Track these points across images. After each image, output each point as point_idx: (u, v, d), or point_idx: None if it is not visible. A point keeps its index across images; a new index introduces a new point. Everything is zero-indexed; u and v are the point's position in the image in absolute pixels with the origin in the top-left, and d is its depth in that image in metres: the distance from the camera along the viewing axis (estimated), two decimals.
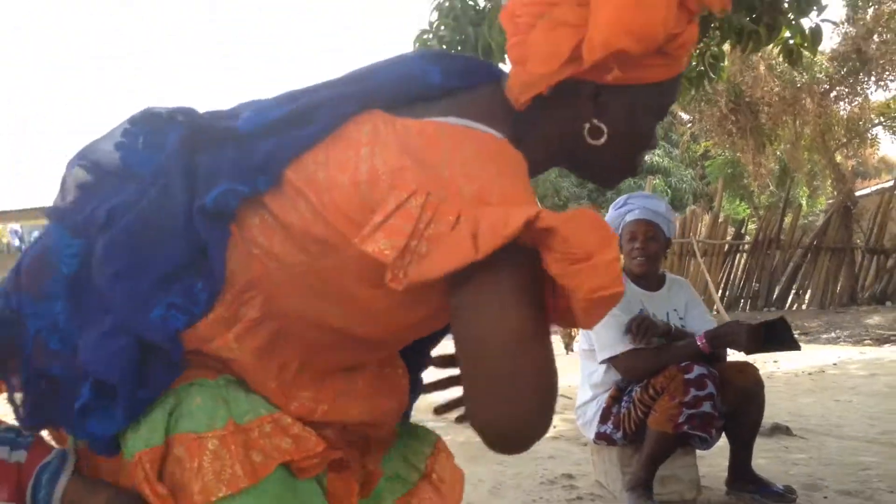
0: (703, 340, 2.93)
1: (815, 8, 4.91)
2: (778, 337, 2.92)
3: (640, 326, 3.00)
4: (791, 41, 5.24)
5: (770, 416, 4.43)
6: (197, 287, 1.05)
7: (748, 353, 2.93)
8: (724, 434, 3.10)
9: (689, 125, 15.07)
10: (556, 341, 9.53)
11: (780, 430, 4.27)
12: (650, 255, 3.16)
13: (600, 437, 3.16)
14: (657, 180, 21.04)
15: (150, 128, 1.14)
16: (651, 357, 2.99)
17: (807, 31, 5.18)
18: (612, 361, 3.06)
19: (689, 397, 2.85)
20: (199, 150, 1.08)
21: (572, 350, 8.34)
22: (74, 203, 1.13)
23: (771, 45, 5.12)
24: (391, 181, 0.95)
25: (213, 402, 1.04)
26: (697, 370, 2.87)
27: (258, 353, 1.08)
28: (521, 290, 0.93)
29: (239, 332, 1.06)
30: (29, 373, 1.10)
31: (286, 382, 1.10)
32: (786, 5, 4.95)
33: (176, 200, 1.06)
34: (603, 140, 1.09)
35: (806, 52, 5.34)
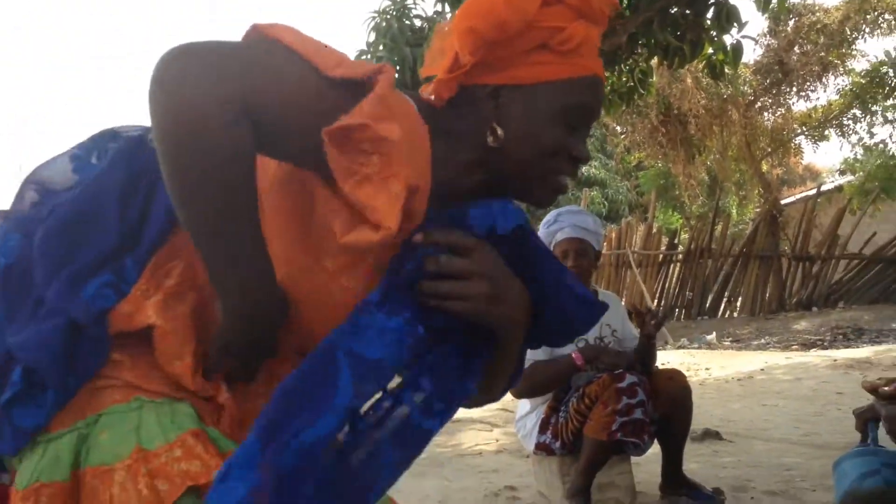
0: (579, 357, 3.09)
1: (735, 25, 5.12)
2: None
3: (586, 350, 3.13)
4: (714, 57, 5.46)
5: (701, 421, 4.60)
6: (127, 264, 1.08)
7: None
8: (656, 440, 3.22)
9: (623, 136, 15.40)
10: None
11: (710, 434, 4.43)
12: (582, 271, 3.27)
13: (540, 447, 3.24)
14: (594, 192, 21.42)
15: (103, 142, 1.17)
16: (535, 373, 3.11)
17: (728, 48, 5.40)
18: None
19: (621, 405, 2.95)
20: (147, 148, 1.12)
21: None
22: (21, 207, 1.16)
23: (695, 61, 5.31)
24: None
25: (120, 432, 1.03)
26: (629, 379, 2.98)
27: (178, 321, 1.08)
28: None
29: (158, 299, 1.07)
30: None
31: (200, 356, 1.10)
32: (708, 23, 5.15)
33: (111, 185, 1.09)
34: (500, 142, 1.10)
35: (728, 68, 5.56)
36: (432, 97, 1.13)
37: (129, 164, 1.13)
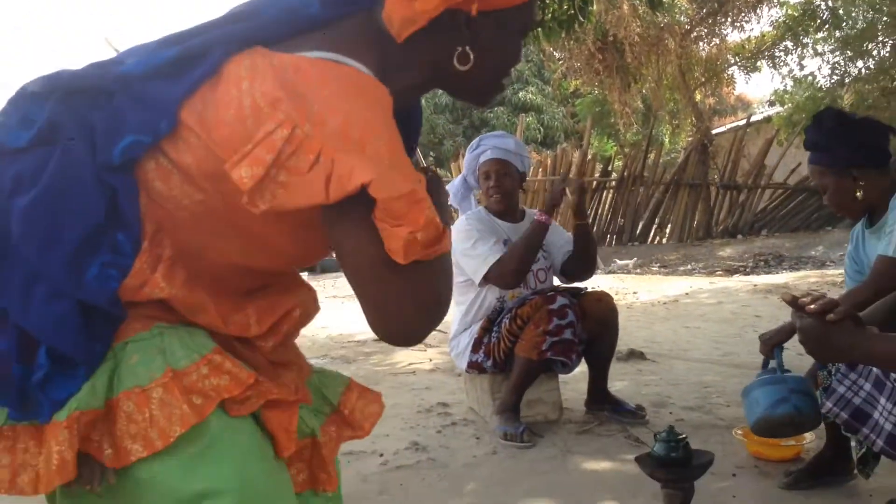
0: (541, 215, 3.21)
1: None
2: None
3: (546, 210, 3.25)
4: None
5: (627, 342, 4.80)
6: (120, 239, 1.10)
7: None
8: (584, 359, 3.38)
9: (561, 63, 15.39)
10: None
11: (635, 355, 4.64)
12: (505, 191, 3.36)
13: (472, 366, 3.37)
14: (530, 118, 21.48)
15: (25, 105, 1.15)
16: (510, 255, 3.22)
17: None
18: (487, 280, 3.25)
19: (552, 326, 3.08)
20: (91, 107, 1.12)
21: None
22: None
23: None
24: (268, 112, 1.02)
25: (149, 355, 1.10)
26: (560, 301, 3.11)
27: (187, 286, 1.14)
28: (372, 227, 1.05)
29: (163, 272, 1.12)
30: None
31: (221, 305, 1.18)
32: None
33: (80, 161, 1.09)
34: (469, 66, 1.17)
35: None
36: (397, 24, 1.14)
37: (82, 126, 1.11)
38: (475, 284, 3.29)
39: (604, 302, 3.31)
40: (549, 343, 3.10)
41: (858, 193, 2.50)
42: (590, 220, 13.07)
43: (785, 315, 6.02)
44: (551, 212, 3.23)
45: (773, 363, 2.40)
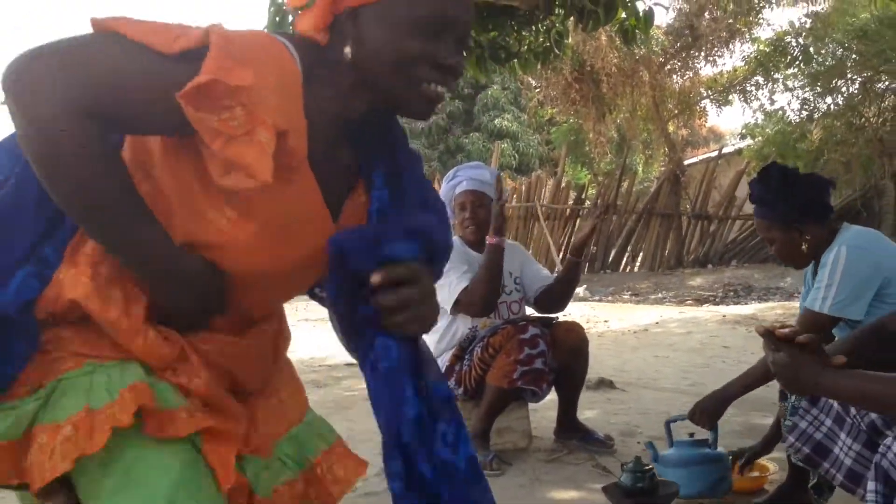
0: (492, 238, 3.18)
1: None
2: None
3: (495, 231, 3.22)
4: (626, 22, 5.61)
5: (597, 370, 4.85)
6: (47, 253, 1.14)
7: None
8: (554, 388, 3.42)
9: (537, 90, 15.57)
10: None
11: (605, 383, 4.69)
12: (479, 222, 3.41)
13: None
14: (505, 144, 21.64)
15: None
16: (475, 283, 3.22)
17: (641, 14, 5.55)
18: (457, 307, 3.28)
19: (522, 355, 3.12)
20: None
21: None
22: None
23: (609, 25, 5.45)
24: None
25: (75, 392, 1.11)
26: (531, 330, 3.15)
27: (100, 282, 1.15)
28: None
29: (75, 273, 1.14)
30: None
31: (134, 316, 1.16)
32: None
33: (26, 186, 1.14)
34: (354, 58, 1.18)
35: (640, 33, 5.73)
36: (315, 34, 1.20)
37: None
38: (447, 313, 3.32)
39: (575, 332, 3.36)
40: (519, 372, 3.13)
41: (804, 246, 2.62)
42: (563, 247, 13.31)
43: (752, 346, 6.06)
44: (501, 232, 3.21)
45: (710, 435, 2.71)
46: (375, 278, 1.17)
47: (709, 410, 2.70)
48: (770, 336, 1.63)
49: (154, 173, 1.15)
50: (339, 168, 1.26)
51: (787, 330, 1.62)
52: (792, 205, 2.59)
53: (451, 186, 3.46)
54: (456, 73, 1.23)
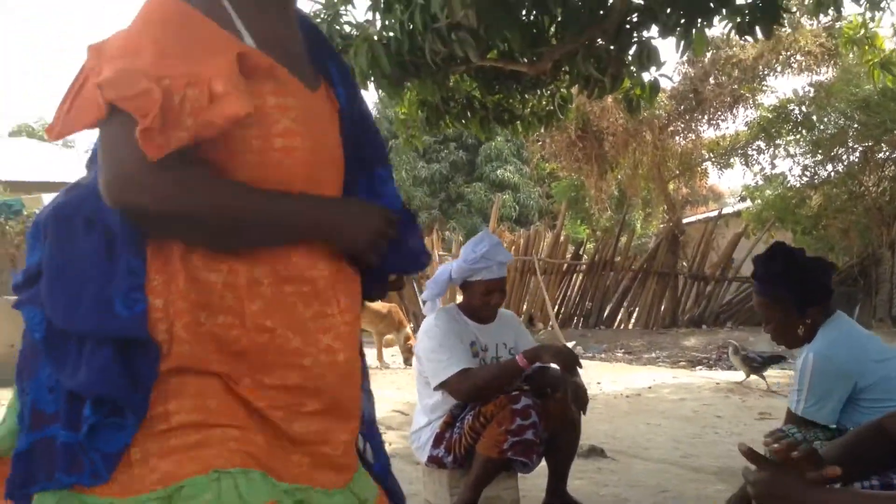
0: (523, 357, 3.20)
1: (654, 65, 5.34)
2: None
3: (529, 352, 3.23)
4: (631, 91, 5.69)
5: (589, 436, 4.81)
6: (129, 260, 1.21)
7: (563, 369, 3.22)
8: (544, 458, 3.40)
9: (540, 145, 15.73)
10: (396, 354, 9.76)
11: (595, 451, 4.65)
12: (499, 304, 3.45)
13: (432, 460, 3.37)
14: (506, 195, 21.77)
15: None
16: (477, 375, 3.22)
17: (646, 84, 5.63)
18: (444, 386, 3.27)
19: (514, 425, 3.11)
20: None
21: (411, 365, 8.58)
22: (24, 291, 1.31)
23: (614, 93, 5.52)
24: None
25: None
26: (524, 401, 3.14)
27: (205, 267, 1.23)
28: None
29: (177, 261, 1.23)
30: (24, 444, 1.21)
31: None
32: (629, 59, 5.35)
33: (72, 233, 1.25)
34: None
35: (644, 103, 5.81)
36: None
37: (76, 213, 1.27)
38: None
39: (567, 405, 3.34)
40: (510, 442, 3.11)
41: (800, 330, 2.65)
42: (559, 302, 13.32)
43: (745, 416, 6.02)
44: (532, 361, 3.20)
45: None
46: None
47: None
48: (752, 456, 1.50)
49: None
50: (300, 57, 1.38)
51: (781, 445, 1.49)
52: (796, 289, 2.61)
53: (477, 268, 3.38)
54: None
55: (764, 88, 15.04)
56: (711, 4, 4.87)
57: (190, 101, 1.13)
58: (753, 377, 7.68)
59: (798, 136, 14.99)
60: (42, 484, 1.17)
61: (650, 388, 7.69)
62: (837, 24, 9.73)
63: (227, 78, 1.16)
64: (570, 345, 11.23)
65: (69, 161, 25.85)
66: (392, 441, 4.94)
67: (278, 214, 1.25)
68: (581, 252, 14.57)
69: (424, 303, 3.73)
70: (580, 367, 3.26)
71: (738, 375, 8.05)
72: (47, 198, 14.85)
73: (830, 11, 5.64)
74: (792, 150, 15.36)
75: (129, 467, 1.15)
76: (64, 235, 1.25)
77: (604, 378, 8.22)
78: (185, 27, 1.20)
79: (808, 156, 14.92)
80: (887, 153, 14.10)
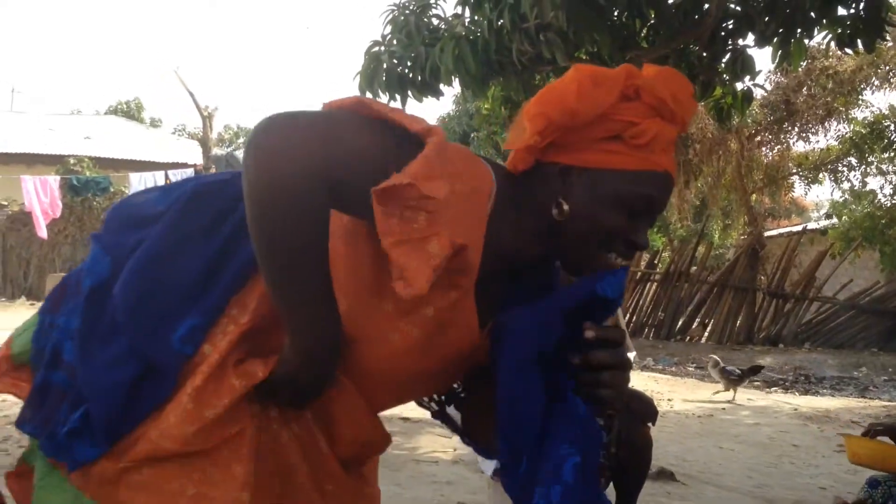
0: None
1: (748, 74, 5.12)
2: None
3: None
4: (722, 101, 5.47)
5: (658, 457, 4.63)
6: (217, 298, 1.13)
7: None
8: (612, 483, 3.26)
9: None
10: None
11: (665, 474, 4.47)
12: None
13: (497, 473, 3.27)
14: None
15: (165, 187, 1.29)
16: None
17: (738, 93, 5.41)
18: None
19: None
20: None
21: None
22: (112, 232, 1.23)
23: (703, 100, 5.32)
24: None
25: None
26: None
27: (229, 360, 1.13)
28: None
29: (225, 338, 1.12)
30: (40, 380, 1.18)
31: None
32: (722, 67, 5.14)
33: (195, 225, 1.17)
34: (564, 217, 1.16)
35: (735, 113, 5.58)
36: (510, 165, 1.22)
37: (212, 204, 1.20)
38: None
39: (641, 432, 3.20)
40: None
41: None
42: (631, 310, 13.03)
43: (823, 447, 5.78)
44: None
45: None
46: (590, 333, 1.12)
47: None
48: None
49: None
50: (490, 300, 1.23)
51: None
52: None
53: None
54: (641, 249, 1.22)
55: (859, 102, 14.46)
56: (813, 14, 4.64)
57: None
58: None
59: (892, 154, 14.37)
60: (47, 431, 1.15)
61: (724, 409, 7.42)
62: None
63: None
64: (631, 355, 10.97)
65: (157, 140, 26.60)
66: (456, 447, 4.85)
67: (297, 302, 1.10)
68: (656, 261, 14.24)
69: None
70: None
71: (819, 401, 7.74)
72: (135, 176, 15.22)
73: None
74: (885, 168, 14.74)
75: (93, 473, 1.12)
76: (184, 223, 1.17)
77: (675, 394, 7.99)
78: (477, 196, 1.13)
79: None
80: None
